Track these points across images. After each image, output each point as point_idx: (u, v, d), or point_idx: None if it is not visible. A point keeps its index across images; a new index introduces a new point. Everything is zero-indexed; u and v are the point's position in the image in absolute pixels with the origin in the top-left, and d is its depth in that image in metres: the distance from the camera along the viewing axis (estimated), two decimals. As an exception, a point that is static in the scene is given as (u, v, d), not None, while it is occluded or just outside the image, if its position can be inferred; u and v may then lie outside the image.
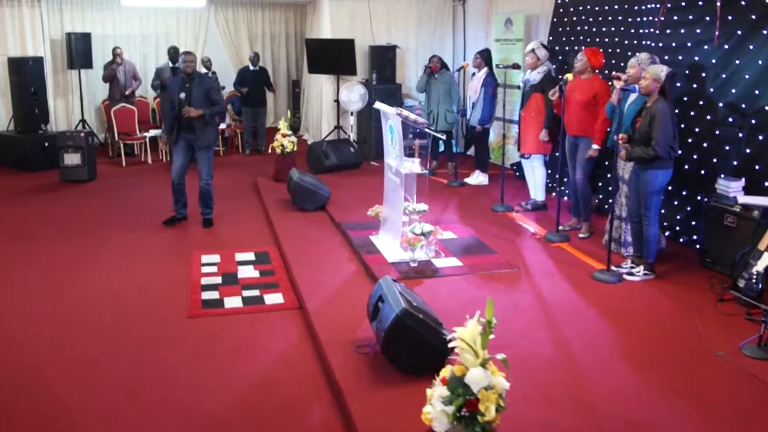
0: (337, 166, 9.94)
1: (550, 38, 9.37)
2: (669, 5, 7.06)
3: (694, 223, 6.69)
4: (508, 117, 10.09)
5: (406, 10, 11.74)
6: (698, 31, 6.69)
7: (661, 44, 7.16)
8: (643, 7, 7.55)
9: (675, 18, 6.99)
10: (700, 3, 6.68)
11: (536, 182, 8.03)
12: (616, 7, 8.09)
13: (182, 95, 7.01)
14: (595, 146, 6.76)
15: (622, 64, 7.67)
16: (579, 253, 6.60)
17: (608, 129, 6.72)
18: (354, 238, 6.80)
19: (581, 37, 8.72)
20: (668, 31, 7.09)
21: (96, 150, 10.35)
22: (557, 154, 8.09)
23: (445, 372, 3.06)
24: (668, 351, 4.58)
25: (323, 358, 4.55)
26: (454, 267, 6.10)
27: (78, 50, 11.61)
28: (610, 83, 6.77)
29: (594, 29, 8.50)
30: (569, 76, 6.69)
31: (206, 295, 5.70)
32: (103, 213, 8.23)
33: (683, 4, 6.88)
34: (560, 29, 9.18)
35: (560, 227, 7.06)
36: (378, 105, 6.68)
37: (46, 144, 10.59)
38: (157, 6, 12.47)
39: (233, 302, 5.59)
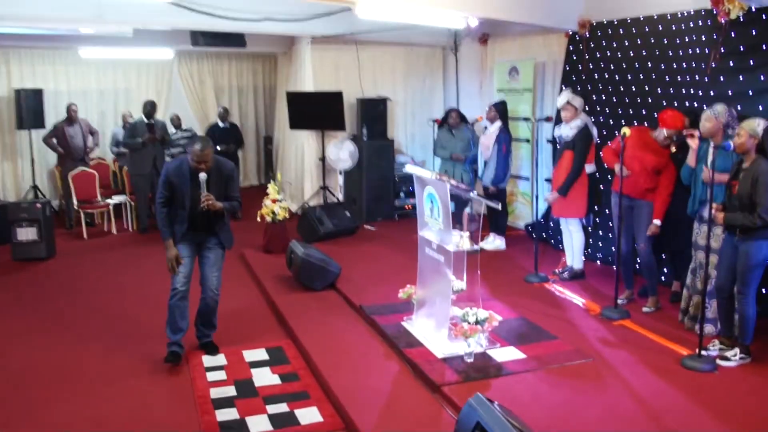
0: (332, 233, 8.86)
1: (563, 87, 8.59)
2: (723, 50, 6.31)
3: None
4: (515, 173, 9.28)
5: (393, 60, 10.87)
6: (762, 77, 5.95)
7: (712, 93, 6.41)
8: (682, 53, 6.81)
9: (731, 64, 6.25)
10: (764, 47, 5.95)
11: (574, 247, 7.09)
12: (643, 53, 7.35)
13: (202, 176, 5.05)
14: (657, 222, 5.98)
15: (655, 114, 6.94)
16: (648, 332, 5.66)
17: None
18: (384, 327, 5.72)
19: (600, 85, 7.96)
20: (721, 78, 6.34)
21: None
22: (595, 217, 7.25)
23: None
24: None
25: None
26: (517, 360, 5.07)
27: (28, 108, 10.35)
28: (671, 140, 5.98)
29: (617, 77, 7.73)
30: (627, 131, 5.81)
31: (222, 415, 4.51)
32: (70, 303, 6.89)
33: (741, 48, 6.15)
34: (574, 77, 8.40)
35: (618, 301, 6.13)
36: (411, 168, 5.69)
37: (-6, 216, 9.21)
38: (116, 58, 11.30)
39: (259, 424, 4.40)
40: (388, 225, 9.96)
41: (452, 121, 8.81)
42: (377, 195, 10.17)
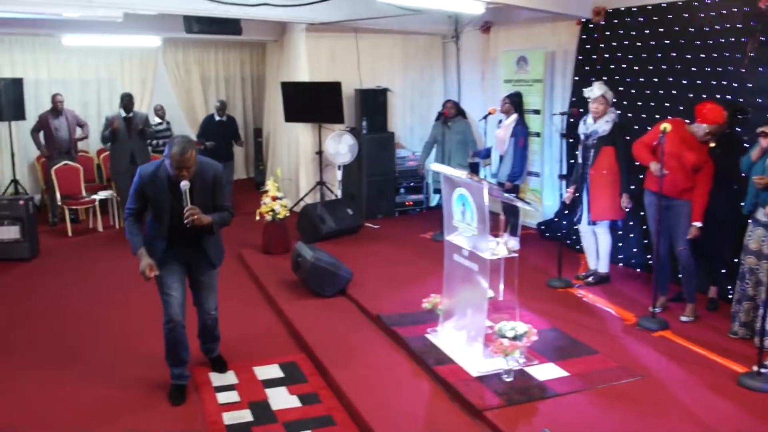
0: (335, 232, 8.35)
1: (576, 78, 8.16)
2: (762, 38, 5.91)
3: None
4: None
5: (391, 49, 10.35)
6: (809, 68, 5.57)
7: (749, 85, 6.03)
8: (713, 42, 6.39)
9: (772, 53, 5.85)
10: (810, 35, 5.57)
11: (601, 251, 6.65)
12: (666, 42, 6.93)
13: (184, 185, 4.23)
14: (698, 224, 5.55)
15: (681, 108, 6.55)
16: (693, 344, 5.23)
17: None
18: (408, 340, 5.24)
19: (617, 77, 7.52)
20: (760, 69, 5.93)
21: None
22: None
23: None
24: None
25: None
26: (561, 379, 4.63)
27: (8, 99, 9.68)
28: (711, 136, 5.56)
29: (637, 68, 7.31)
30: (667, 126, 5.38)
31: (241, 446, 4.04)
32: (55, 312, 6.33)
33: (785, 36, 5.76)
34: (587, 68, 7.97)
35: (654, 309, 5.69)
36: (438, 167, 5.22)
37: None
38: (98, 46, 10.65)
39: (283, 457, 3.94)
40: (390, 223, 9.49)
41: (447, 113, 8.37)
42: (378, 191, 9.70)
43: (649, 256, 7.04)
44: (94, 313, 6.29)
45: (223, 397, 4.62)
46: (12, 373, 5.01)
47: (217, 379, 4.89)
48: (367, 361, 5.02)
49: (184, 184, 4.23)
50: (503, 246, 4.77)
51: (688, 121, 5.79)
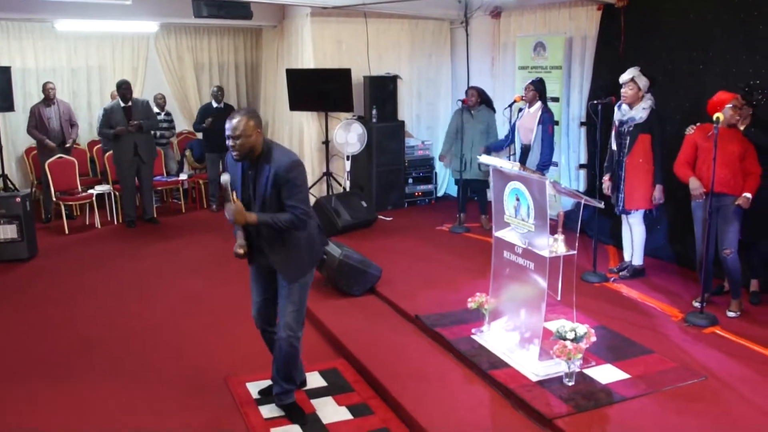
0: (350, 225, 8.05)
1: (597, 65, 7.91)
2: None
3: None
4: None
5: (398, 35, 10.01)
6: None
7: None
8: (749, 26, 6.16)
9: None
10: None
11: (635, 243, 6.42)
12: (698, 27, 6.68)
13: (224, 179, 3.83)
14: (747, 195, 5.30)
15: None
16: (747, 341, 5.01)
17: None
18: (454, 342, 4.97)
19: (642, 63, 7.19)
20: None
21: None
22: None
23: None
24: None
25: None
26: (623, 382, 4.39)
27: (-4, 88, 9.21)
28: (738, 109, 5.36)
29: (664, 55, 7.07)
30: (720, 116, 5.14)
31: (298, 468, 3.74)
32: (72, 316, 5.94)
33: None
34: (610, 55, 7.72)
35: (700, 304, 5.47)
36: (487, 160, 4.94)
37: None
38: (89, 32, 10.18)
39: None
40: (401, 214, 9.21)
41: (470, 101, 8.10)
42: (388, 182, 9.40)
43: (678, 247, 6.86)
44: (113, 317, 5.91)
45: (267, 411, 4.29)
46: (40, 392, 4.65)
47: (256, 389, 4.56)
48: (414, 366, 4.73)
49: (225, 179, 3.78)
50: (561, 243, 4.50)
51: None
